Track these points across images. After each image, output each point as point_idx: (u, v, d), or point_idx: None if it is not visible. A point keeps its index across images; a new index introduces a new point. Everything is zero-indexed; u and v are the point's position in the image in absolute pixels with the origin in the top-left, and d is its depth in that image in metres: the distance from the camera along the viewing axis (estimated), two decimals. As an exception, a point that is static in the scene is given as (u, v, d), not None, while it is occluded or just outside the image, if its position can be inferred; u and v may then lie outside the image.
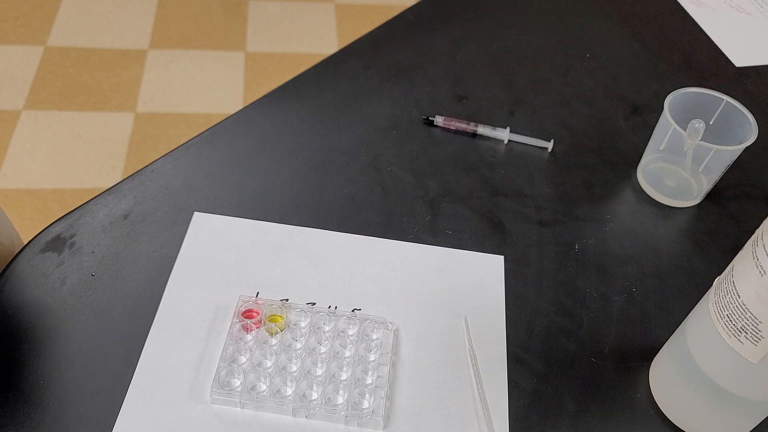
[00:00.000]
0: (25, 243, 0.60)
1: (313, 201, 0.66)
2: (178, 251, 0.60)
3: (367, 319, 0.56)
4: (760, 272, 0.42)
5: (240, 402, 0.51)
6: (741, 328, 0.44)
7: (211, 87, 1.94)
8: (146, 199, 0.64)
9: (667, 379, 0.53)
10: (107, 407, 0.51)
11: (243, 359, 0.53)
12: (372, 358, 0.55)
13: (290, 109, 0.75)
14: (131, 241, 0.61)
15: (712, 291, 0.49)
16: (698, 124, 0.64)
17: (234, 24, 2.14)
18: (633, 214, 0.69)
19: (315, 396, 0.52)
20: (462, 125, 0.74)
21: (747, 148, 0.64)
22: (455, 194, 0.68)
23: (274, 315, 0.56)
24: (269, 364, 0.53)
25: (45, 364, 0.52)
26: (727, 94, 0.68)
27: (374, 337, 0.56)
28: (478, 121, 0.75)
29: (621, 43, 0.89)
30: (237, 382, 0.52)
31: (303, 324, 0.56)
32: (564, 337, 0.58)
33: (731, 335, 0.45)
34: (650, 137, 0.70)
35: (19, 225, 1.52)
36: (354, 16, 2.22)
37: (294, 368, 0.53)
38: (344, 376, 0.53)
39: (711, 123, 0.68)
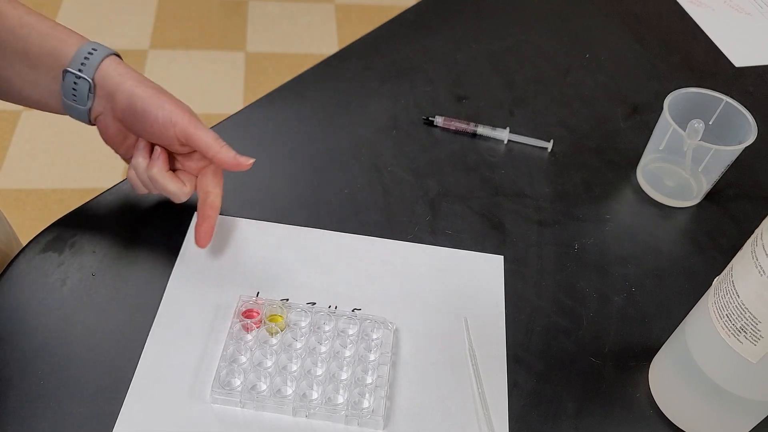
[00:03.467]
0: (26, 243, 0.60)
1: (313, 201, 0.66)
2: (178, 251, 0.60)
3: (367, 319, 0.56)
4: (760, 272, 0.42)
5: (240, 402, 0.51)
6: (740, 327, 0.44)
7: (211, 87, 1.94)
8: (146, 199, 0.64)
9: (666, 379, 0.54)
10: (107, 407, 0.51)
11: (243, 359, 0.54)
12: (372, 357, 0.55)
13: (290, 109, 0.75)
14: (131, 241, 0.61)
15: (711, 291, 0.49)
16: (698, 124, 0.64)
17: (234, 24, 2.14)
18: (633, 214, 0.69)
19: (315, 396, 0.52)
20: (462, 125, 0.74)
21: (747, 148, 0.64)
22: (455, 194, 0.68)
23: (274, 315, 0.56)
24: (269, 363, 0.53)
25: (45, 364, 0.52)
26: (727, 94, 0.68)
27: (374, 336, 0.56)
28: (478, 121, 0.75)
29: (621, 43, 0.89)
30: (237, 382, 0.52)
31: (303, 324, 0.56)
32: (564, 337, 0.58)
33: (731, 335, 0.45)
34: (650, 137, 0.70)
35: (19, 225, 1.51)
36: (354, 16, 2.22)
37: (294, 368, 0.53)
38: (344, 376, 0.53)
39: (711, 123, 0.68)
